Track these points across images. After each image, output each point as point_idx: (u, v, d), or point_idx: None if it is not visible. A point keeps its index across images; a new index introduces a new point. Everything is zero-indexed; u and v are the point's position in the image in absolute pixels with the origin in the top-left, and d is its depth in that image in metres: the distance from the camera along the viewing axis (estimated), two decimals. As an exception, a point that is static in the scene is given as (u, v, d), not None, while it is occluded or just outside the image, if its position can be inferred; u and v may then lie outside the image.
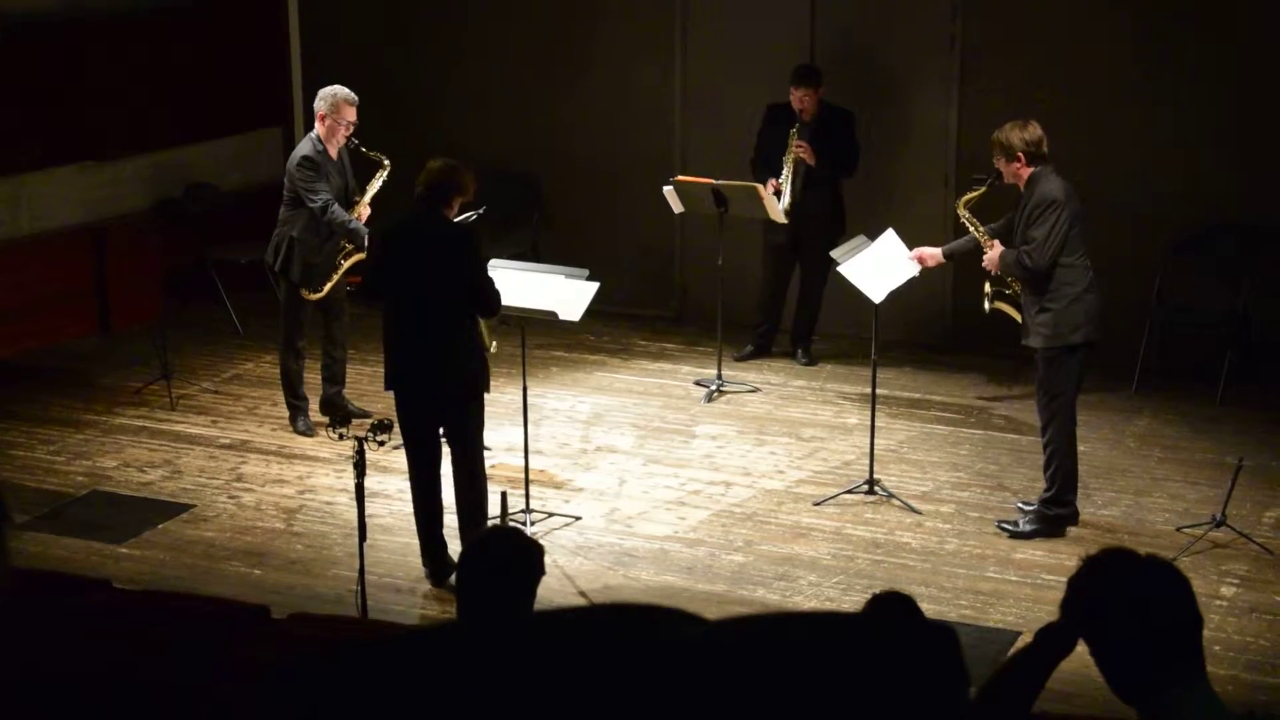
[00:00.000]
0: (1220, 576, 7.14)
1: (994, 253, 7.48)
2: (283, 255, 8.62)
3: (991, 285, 7.66)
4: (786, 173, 9.58)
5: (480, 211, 8.49)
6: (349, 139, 8.63)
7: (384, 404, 9.00)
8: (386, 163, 8.75)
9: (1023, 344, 7.50)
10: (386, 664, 2.28)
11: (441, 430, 7.10)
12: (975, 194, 7.69)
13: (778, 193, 9.54)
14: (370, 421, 6.58)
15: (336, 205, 8.51)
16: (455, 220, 7.17)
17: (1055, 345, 7.30)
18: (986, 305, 7.72)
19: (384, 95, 11.31)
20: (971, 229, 7.70)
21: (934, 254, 7.95)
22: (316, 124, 8.60)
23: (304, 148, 8.61)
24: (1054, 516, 7.49)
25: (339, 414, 8.53)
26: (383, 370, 7.17)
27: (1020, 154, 7.22)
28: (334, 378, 8.98)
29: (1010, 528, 7.54)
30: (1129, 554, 3.12)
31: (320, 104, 8.59)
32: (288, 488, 8.22)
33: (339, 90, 8.60)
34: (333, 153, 8.60)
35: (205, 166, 11.26)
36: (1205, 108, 9.52)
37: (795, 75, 9.64)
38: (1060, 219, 7.16)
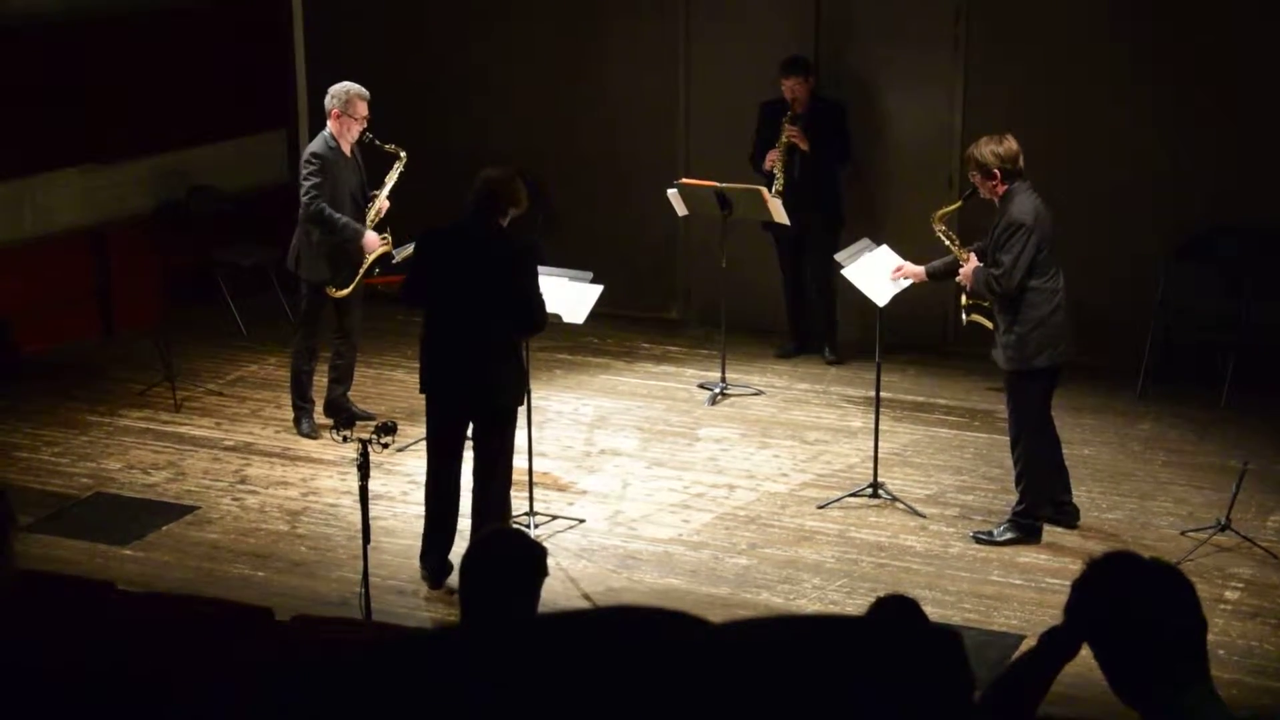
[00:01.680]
0: (1224, 580, 7.13)
1: (968, 268, 7.45)
2: (318, 262, 8.60)
3: (968, 298, 7.65)
4: (779, 155, 9.60)
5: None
6: (363, 133, 8.62)
7: (387, 406, 9.02)
8: (403, 154, 8.74)
9: (991, 357, 7.52)
10: (390, 667, 2.28)
11: (470, 437, 7.09)
12: (951, 208, 7.70)
13: (774, 168, 9.59)
14: (374, 424, 6.58)
15: (327, 206, 8.46)
16: (525, 238, 7.12)
17: (1018, 369, 7.30)
18: (964, 317, 7.73)
19: (389, 98, 11.28)
20: (946, 243, 7.66)
21: (916, 271, 7.90)
22: (329, 121, 8.58)
23: (314, 144, 8.59)
24: (1027, 526, 7.49)
25: (343, 416, 8.54)
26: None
27: (996, 170, 7.15)
28: (341, 378, 8.96)
29: (985, 537, 7.54)
30: (1133, 558, 3.12)
31: (332, 101, 8.57)
32: (292, 490, 8.22)
33: (351, 86, 8.59)
34: (346, 149, 8.58)
35: (209, 169, 11.26)
36: (1207, 111, 9.52)
37: (784, 66, 9.71)
38: (1028, 244, 7.10)
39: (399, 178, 8.78)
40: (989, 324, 7.53)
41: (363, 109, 8.55)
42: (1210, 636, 3.06)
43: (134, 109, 10.72)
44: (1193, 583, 3.08)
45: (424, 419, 7.19)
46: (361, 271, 8.63)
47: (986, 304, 7.53)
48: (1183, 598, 3.03)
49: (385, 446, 6.50)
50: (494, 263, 6.86)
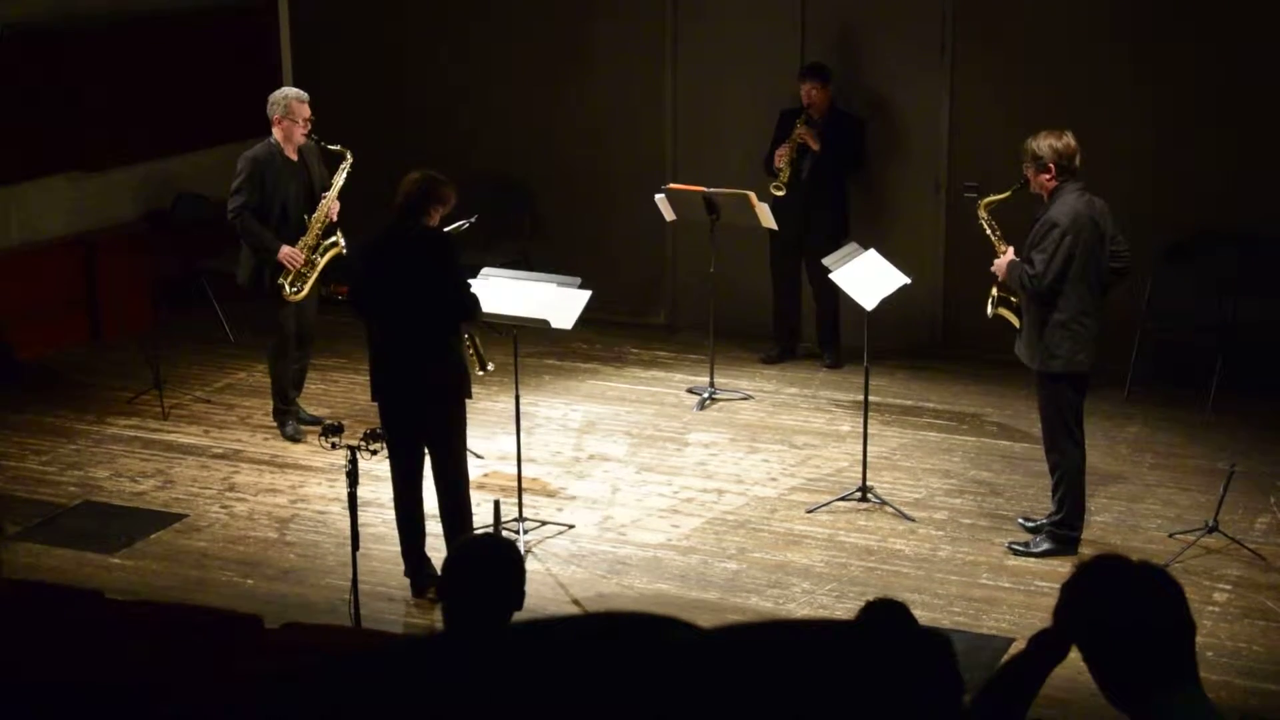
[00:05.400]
0: (1213, 582, 7.14)
1: (1004, 260, 7.33)
2: (254, 271, 8.63)
3: (998, 290, 7.50)
4: (789, 151, 9.62)
5: (472, 220, 8.50)
6: (308, 135, 8.63)
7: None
8: (349, 155, 8.76)
9: (1015, 352, 7.47)
10: (380, 673, 2.27)
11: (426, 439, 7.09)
12: (999, 197, 7.49)
13: (781, 164, 9.59)
14: (364, 430, 6.58)
15: (248, 215, 8.51)
16: (446, 229, 7.17)
17: (1039, 369, 7.25)
18: (990, 309, 7.56)
19: (376, 105, 11.32)
20: (988, 231, 7.53)
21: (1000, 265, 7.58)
22: (273, 128, 8.60)
23: (253, 149, 8.63)
24: (1063, 536, 7.40)
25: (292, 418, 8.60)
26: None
27: (1051, 164, 7.03)
28: (294, 384, 8.98)
29: (1022, 548, 7.45)
30: (1121, 560, 3.12)
31: (273, 108, 8.60)
32: (280, 497, 8.21)
33: (289, 90, 8.69)
34: (291, 154, 8.61)
35: (195, 177, 11.25)
36: (1197, 115, 9.53)
37: (802, 70, 9.77)
38: (1062, 245, 6.97)
39: (349, 179, 8.76)
40: (1015, 320, 7.42)
41: (304, 111, 8.59)
42: (1199, 638, 3.06)
43: (121, 117, 10.70)
44: (1181, 585, 3.08)
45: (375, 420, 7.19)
46: (315, 275, 8.64)
47: (1014, 300, 7.41)
48: (1171, 600, 3.04)
49: (374, 453, 6.50)
50: (420, 260, 6.90)
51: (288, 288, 8.57)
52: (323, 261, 8.66)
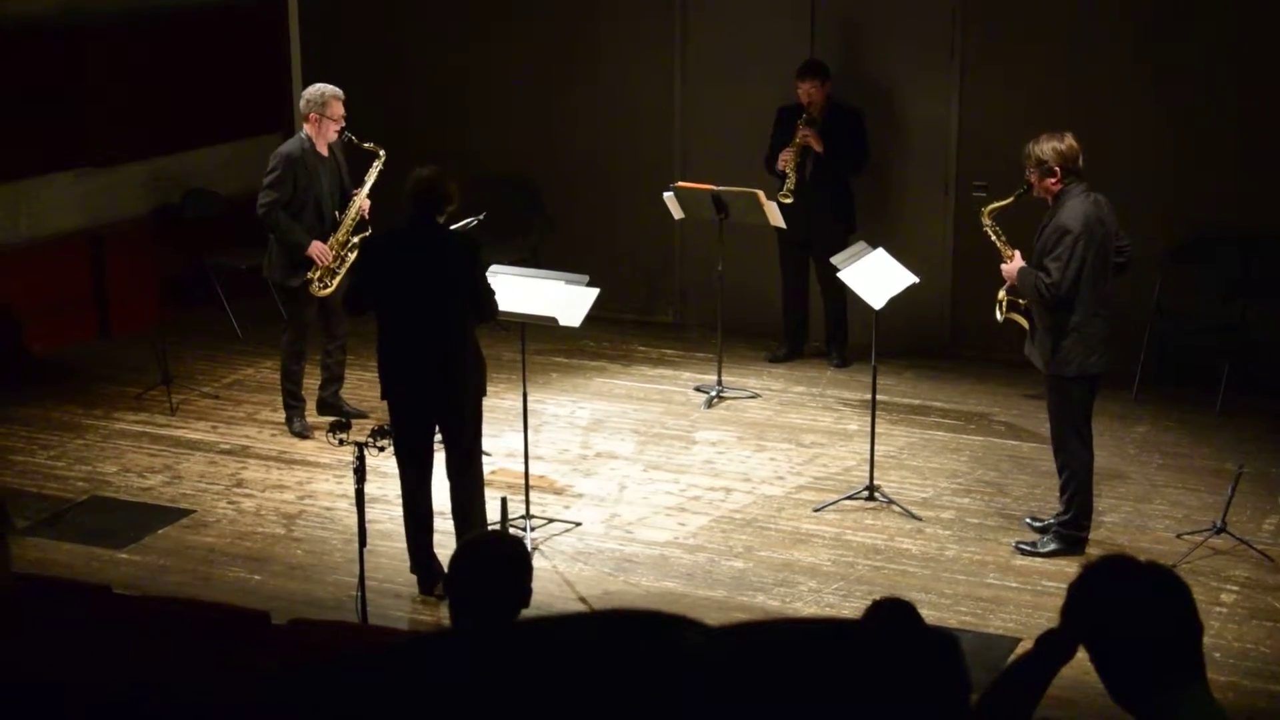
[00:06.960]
0: (1220, 583, 7.13)
1: (1013, 266, 7.26)
2: (285, 265, 8.65)
3: (1007, 294, 7.44)
4: (792, 155, 9.61)
5: (481, 217, 8.50)
6: (340, 133, 8.64)
7: (384, 406, 9.01)
8: (382, 153, 8.77)
9: (1025, 354, 7.45)
10: (387, 671, 2.28)
11: (439, 436, 7.10)
12: (1002, 203, 7.41)
13: (786, 168, 9.58)
14: (371, 427, 6.58)
15: (281, 213, 8.52)
16: (453, 227, 7.18)
17: (1052, 373, 7.23)
18: (999, 314, 7.51)
19: (385, 102, 11.31)
20: (994, 237, 7.47)
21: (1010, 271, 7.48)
22: (305, 125, 8.61)
23: (286, 145, 8.66)
24: (1070, 537, 7.39)
25: (337, 414, 8.56)
26: (374, 373, 7.15)
27: (1056, 168, 6.98)
28: (333, 377, 9.02)
29: (1029, 548, 7.45)
30: (1129, 560, 3.12)
31: (308, 106, 8.61)
32: (288, 493, 8.22)
33: (325, 88, 8.64)
34: (323, 150, 8.63)
35: (204, 172, 11.27)
36: (1206, 116, 9.52)
37: (800, 69, 9.73)
38: (1077, 251, 6.93)
39: (378, 176, 8.79)
40: (1025, 323, 7.37)
41: (339, 109, 8.60)
42: (1206, 639, 3.06)
43: (129, 112, 10.71)
44: (1188, 585, 3.08)
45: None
46: (344, 270, 8.66)
47: (1022, 304, 7.36)
48: (1178, 600, 3.03)
49: (382, 450, 6.51)
50: (446, 259, 6.89)
51: (316, 283, 8.61)
52: (352, 257, 8.68)
